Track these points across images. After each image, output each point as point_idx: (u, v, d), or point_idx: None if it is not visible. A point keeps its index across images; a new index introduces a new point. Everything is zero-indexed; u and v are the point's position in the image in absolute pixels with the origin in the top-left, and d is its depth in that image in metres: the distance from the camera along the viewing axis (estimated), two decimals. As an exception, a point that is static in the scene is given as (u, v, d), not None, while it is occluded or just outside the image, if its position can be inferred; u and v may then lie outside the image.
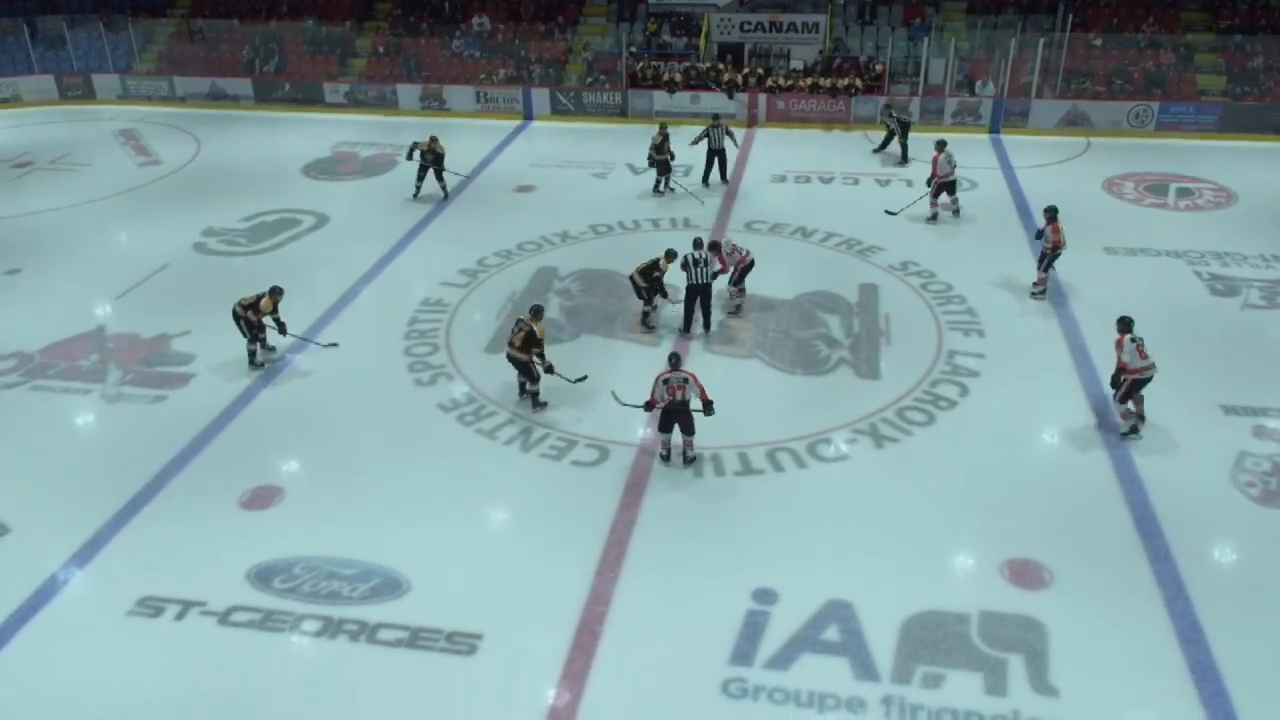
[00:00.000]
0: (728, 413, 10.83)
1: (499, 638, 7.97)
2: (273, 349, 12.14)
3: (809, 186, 17.70)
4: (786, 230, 15.91)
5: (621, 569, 8.67)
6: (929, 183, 16.00)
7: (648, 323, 12.58)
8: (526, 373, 10.96)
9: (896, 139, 19.10)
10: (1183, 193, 17.36)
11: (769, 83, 21.92)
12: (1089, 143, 20.28)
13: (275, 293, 11.85)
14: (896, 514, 9.27)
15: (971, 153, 19.73)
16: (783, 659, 7.72)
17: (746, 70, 22.27)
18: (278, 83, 23.97)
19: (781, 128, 21.60)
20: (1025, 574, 8.49)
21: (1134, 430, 10.23)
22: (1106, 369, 11.50)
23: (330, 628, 8.08)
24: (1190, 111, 20.47)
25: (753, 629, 7.97)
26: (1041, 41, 20.93)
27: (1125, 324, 10.28)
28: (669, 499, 9.56)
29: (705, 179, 17.67)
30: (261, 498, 9.63)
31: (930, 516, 9.11)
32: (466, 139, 20.57)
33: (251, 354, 11.91)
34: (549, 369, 10.87)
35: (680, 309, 12.66)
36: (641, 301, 12.54)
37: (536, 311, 10.91)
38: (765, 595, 8.29)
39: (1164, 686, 7.49)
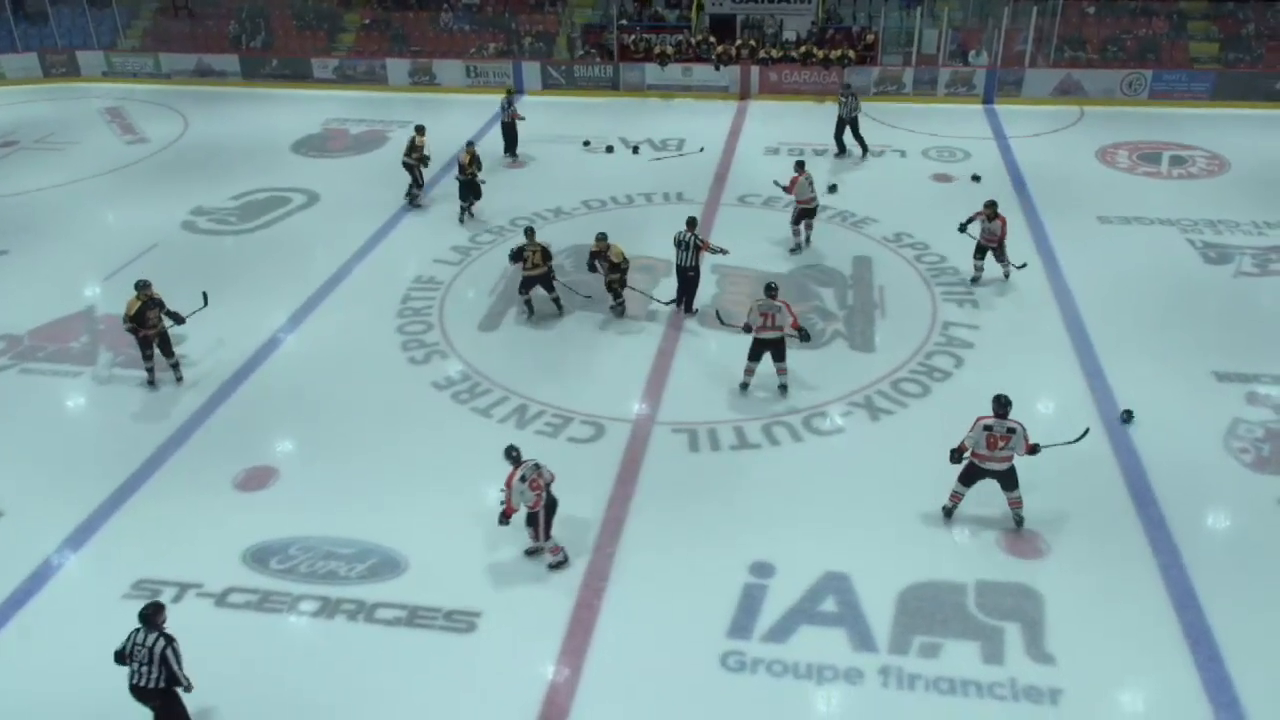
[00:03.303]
0: (722, 387, 10.80)
1: (497, 615, 7.97)
2: (176, 366, 10.93)
3: (805, 158, 17.52)
4: (779, 204, 15.80)
5: (619, 544, 8.67)
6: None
7: (617, 309, 12.23)
8: (547, 284, 11.94)
9: (840, 128, 17.40)
10: (1176, 161, 17.30)
11: (761, 54, 21.72)
12: (1082, 111, 20.17)
13: (142, 289, 10.62)
14: (893, 486, 9.28)
15: (965, 123, 19.63)
16: (780, 631, 7.73)
17: (739, 42, 22.05)
18: (265, 58, 23.67)
19: (774, 100, 21.42)
20: (1021, 544, 8.51)
21: (947, 513, 8.80)
22: (1101, 340, 11.53)
23: (328, 608, 8.06)
24: (1183, 79, 20.34)
25: (750, 602, 7.99)
26: (1035, 10, 20.76)
27: (999, 403, 8.48)
28: (665, 474, 9.54)
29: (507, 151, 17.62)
30: (256, 478, 9.59)
31: (926, 488, 9.10)
32: (457, 114, 20.37)
33: (150, 371, 10.73)
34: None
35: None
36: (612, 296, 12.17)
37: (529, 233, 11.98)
38: (762, 568, 8.30)
39: (1159, 652, 7.52)
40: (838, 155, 17.41)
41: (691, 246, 11.90)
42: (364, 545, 8.65)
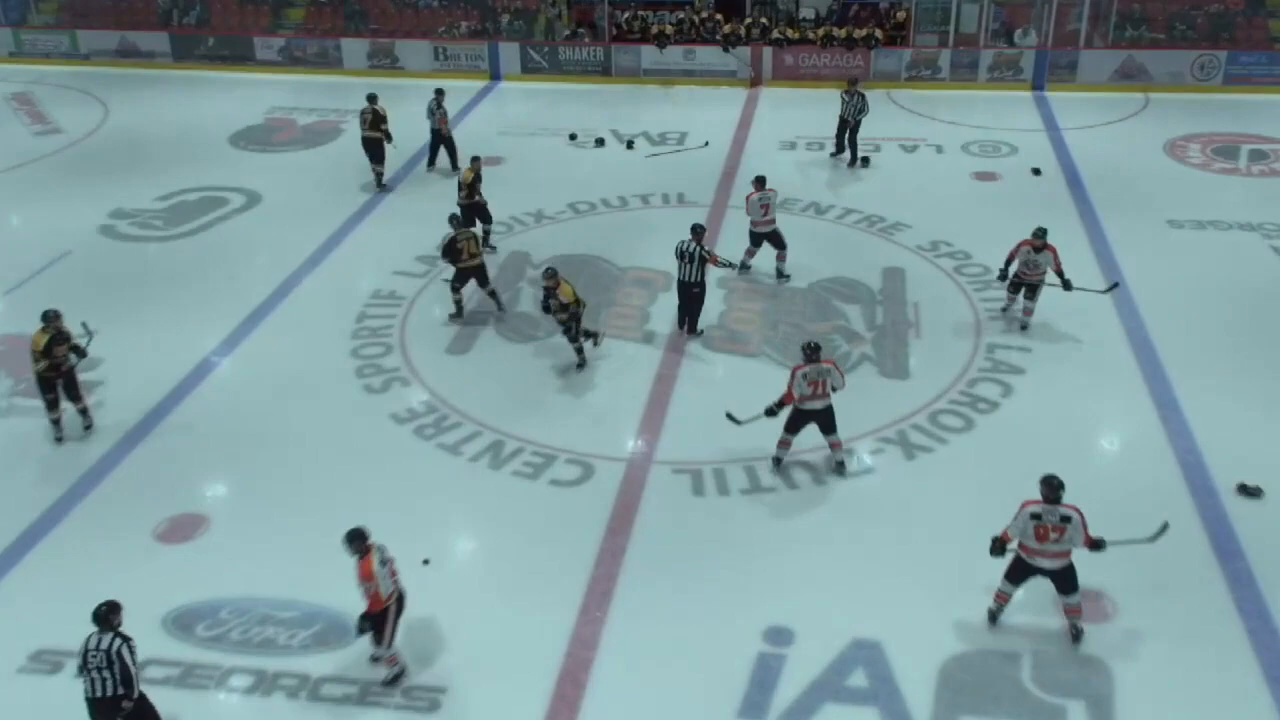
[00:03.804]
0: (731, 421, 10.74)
1: (465, 691, 7.86)
2: (85, 412, 10.74)
3: (823, 154, 17.63)
4: (797, 206, 15.83)
5: (609, 607, 8.57)
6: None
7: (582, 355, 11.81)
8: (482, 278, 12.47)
9: (842, 130, 17.15)
10: (1256, 156, 17.40)
11: (775, 34, 21.87)
12: (1147, 99, 20.32)
13: (51, 320, 10.38)
14: (931, 536, 9.20)
15: (1012, 113, 19.75)
16: (801, 710, 7.63)
17: (749, 20, 22.22)
18: (200, 36, 23.79)
19: (790, 86, 21.56)
20: (1084, 605, 8.41)
21: (991, 617, 8.37)
22: (1173, 362, 11.51)
23: (264, 683, 7.93)
24: (1263, 62, 20.52)
25: (765, 675, 7.89)
26: (1091, -17, 20.97)
27: (1049, 486, 7.98)
28: (664, 523, 9.47)
29: (430, 162, 17.10)
30: (181, 528, 9.48)
31: (971, 539, 8.98)
32: (423, 103, 20.36)
33: (56, 424, 10.56)
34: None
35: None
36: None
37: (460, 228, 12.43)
38: (779, 635, 8.21)
39: (1249, 736, 7.42)
40: (835, 155, 17.34)
41: (696, 259, 11.85)
42: (308, 608, 8.54)
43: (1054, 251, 11.90)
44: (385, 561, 7.69)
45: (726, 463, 10.13)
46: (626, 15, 22.62)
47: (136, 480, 10.13)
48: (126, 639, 7.03)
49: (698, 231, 12.01)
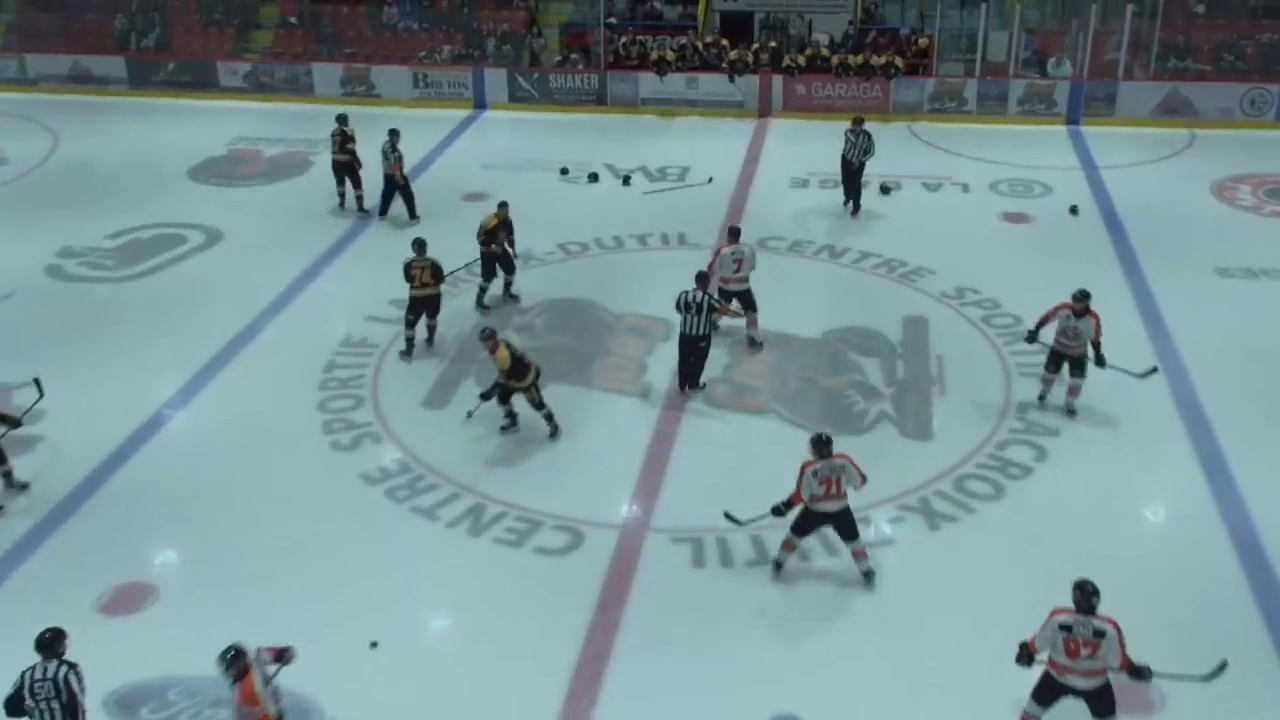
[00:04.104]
0: (737, 483, 10.78)
1: (439, 784, 7.79)
2: (9, 475, 10.74)
3: (837, 193, 17.80)
4: (809, 249, 16.00)
5: (599, 692, 8.53)
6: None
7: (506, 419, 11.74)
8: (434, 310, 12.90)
9: (847, 174, 17.07)
10: (1313, 199, 17.61)
11: (785, 62, 22.19)
12: (1193, 135, 20.60)
13: None
14: (956, 615, 9.20)
15: (1044, 149, 20.01)
16: (812, 809, 7.57)
17: (756, 45, 22.54)
18: (159, 61, 24.12)
19: (801, 118, 21.86)
20: (1128, 694, 8.38)
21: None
22: (1224, 426, 11.55)
23: (216, 772, 7.88)
24: (1320, 96, 20.78)
25: (772, 769, 7.84)
26: (1130, 9, 21.29)
27: (1082, 593, 7.67)
28: (662, 597, 9.46)
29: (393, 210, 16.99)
30: (127, 598, 9.47)
31: (1001, 618, 8.99)
32: (401, 133, 20.63)
33: None
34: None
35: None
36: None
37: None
38: (788, 724, 8.16)
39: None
40: (846, 204, 17.22)
41: (705, 310, 11.85)
42: (266, 689, 8.49)
43: (1097, 319, 11.31)
44: (269, 680, 7.42)
45: (731, 531, 10.13)
46: (623, 40, 22.87)
47: (79, 545, 10.12)
48: (73, 665, 7.23)
49: (703, 280, 12.05)
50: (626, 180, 18.75)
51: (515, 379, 11.29)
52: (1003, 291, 14.44)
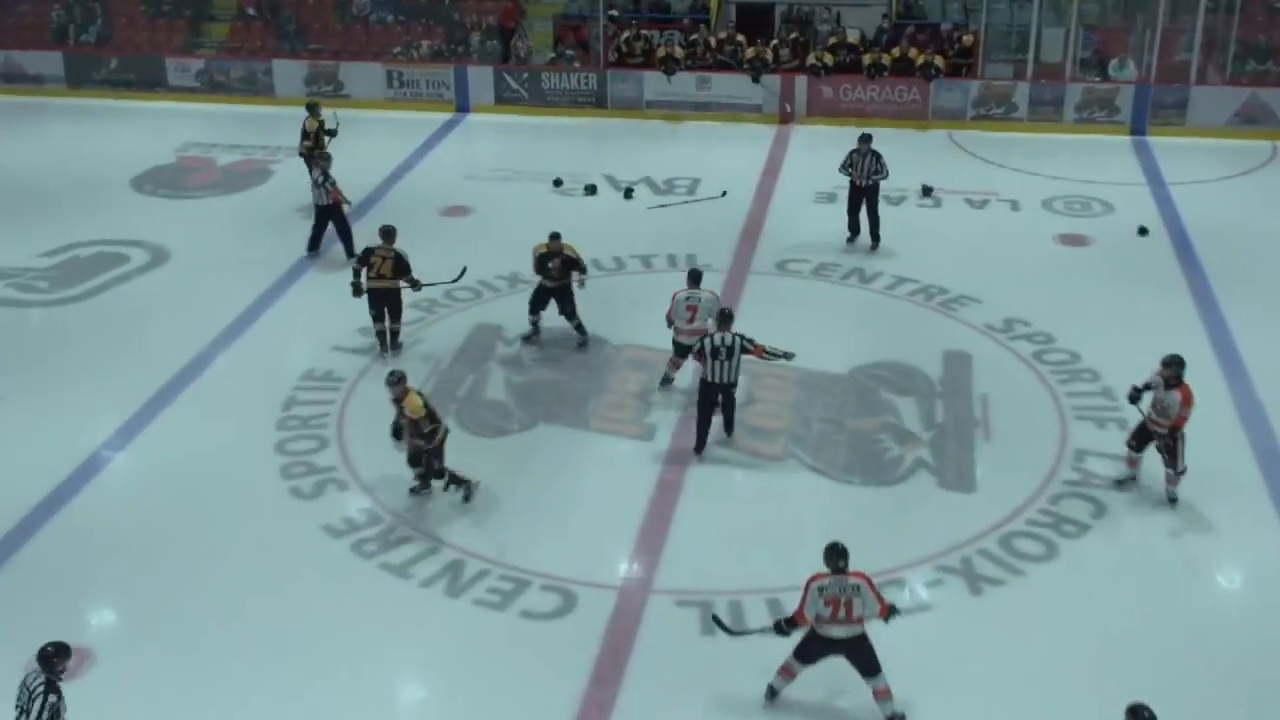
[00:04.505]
0: (750, 539, 10.84)
1: None
2: None
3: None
4: (836, 273, 16.12)
5: (594, 774, 8.57)
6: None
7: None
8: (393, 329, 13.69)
9: (855, 201, 16.74)
10: None
11: (811, 60, 22.39)
12: (1275, 148, 20.76)
13: None
14: (1002, 691, 9.19)
15: (1105, 162, 20.14)
16: None
17: (776, 41, 22.72)
18: (100, 57, 24.32)
19: (828, 124, 22.00)
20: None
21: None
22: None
23: None
24: None
25: None
26: (1204, 4, 21.41)
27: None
28: (665, 671, 9.44)
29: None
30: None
31: (1053, 696, 9.06)
32: (372, 138, 20.82)
33: None
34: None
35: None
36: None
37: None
38: (808, 815, 8.19)
39: None
40: (851, 240, 16.88)
41: (735, 353, 11.67)
42: (214, 770, 8.56)
43: (1187, 396, 10.78)
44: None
45: (745, 593, 10.15)
46: (626, 34, 22.98)
47: (5, 602, 10.15)
48: (58, 692, 7.60)
49: (728, 319, 11.92)
50: (629, 193, 18.92)
51: (418, 436, 11.03)
52: (1057, 324, 14.52)
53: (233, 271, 16.15)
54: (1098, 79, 22.00)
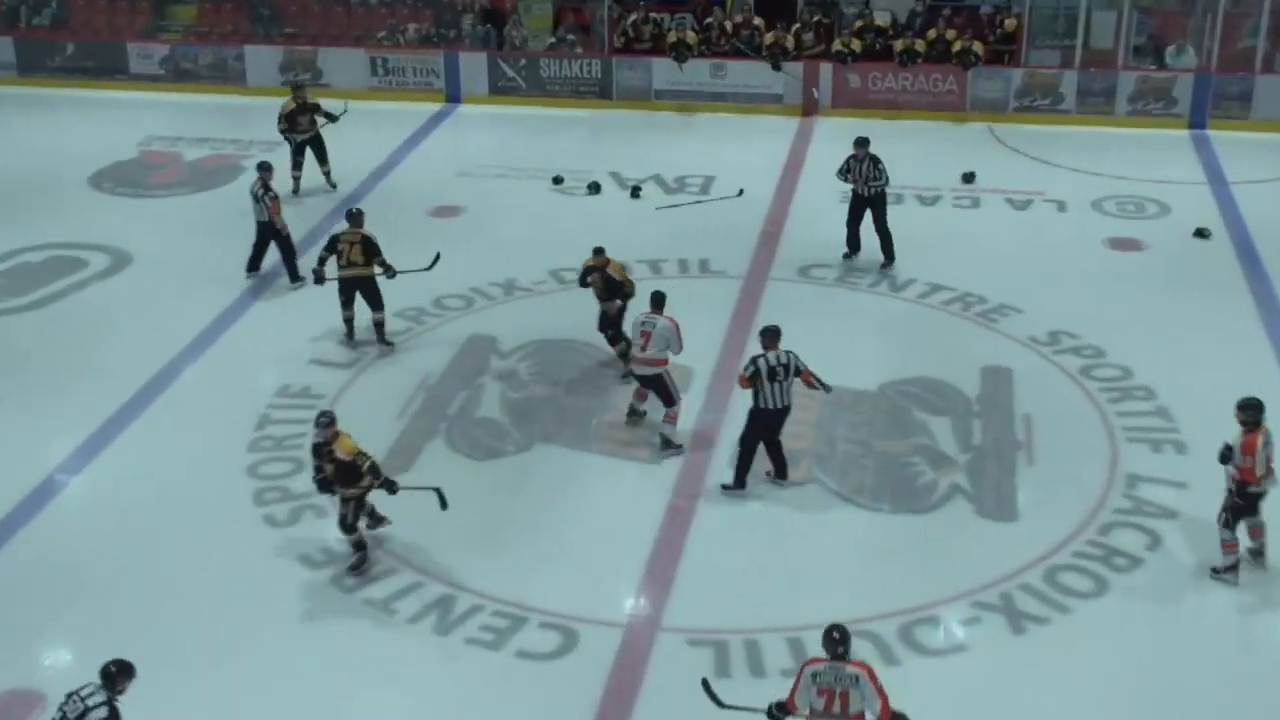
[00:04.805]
0: (769, 572, 10.89)
1: None
2: None
3: (901, 209, 17.94)
4: (864, 280, 16.18)
5: (597, 830, 8.61)
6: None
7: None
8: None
9: (856, 212, 16.46)
10: None
11: (836, 46, 22.47)
12: (1349, 144, 20.71)
13: None
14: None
15: (1161, 158, 20.16)
16: None
17: (798, 25, 22.77)
18: (55, 43, 24.43)
19: (856, 116, 21.97)
20: None
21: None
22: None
23: None
24: None
25: None
26: (1270, -16, 21.45)
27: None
28: (675, 714, 9.44)
29: None
30: (8, 710, 9.51)
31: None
32: (354, 131, 20.89)
33: None
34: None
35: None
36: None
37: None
38: None
39: None
40: (849, 256, 16.60)
41: (791, 373, 11.56)
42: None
43: (1249, 444, 10.32)
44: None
45: (763, 631, 10.18)
46: (634, 17, 23.06)
47: (-52, 642, 10.19)
48: (118, 714, 7.90)
49: (775, 336, 11.59)
50: (636, 192, 19.01)
51: (356, 478, 10.72)
52: (1107, 336, 14.55)
53: (201, 277, 16.21)
54: (1153, 67, 22.04)
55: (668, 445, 12.60)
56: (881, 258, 16.39)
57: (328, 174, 19.04)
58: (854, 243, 16.53)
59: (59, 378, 13.98)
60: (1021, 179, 19.47)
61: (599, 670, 9.90)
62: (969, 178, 18.38)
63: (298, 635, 10.30)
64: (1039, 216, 18.26)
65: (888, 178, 16.20)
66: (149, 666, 9.81)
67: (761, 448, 11.87)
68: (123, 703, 7.95)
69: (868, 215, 16.30)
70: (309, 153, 18.80)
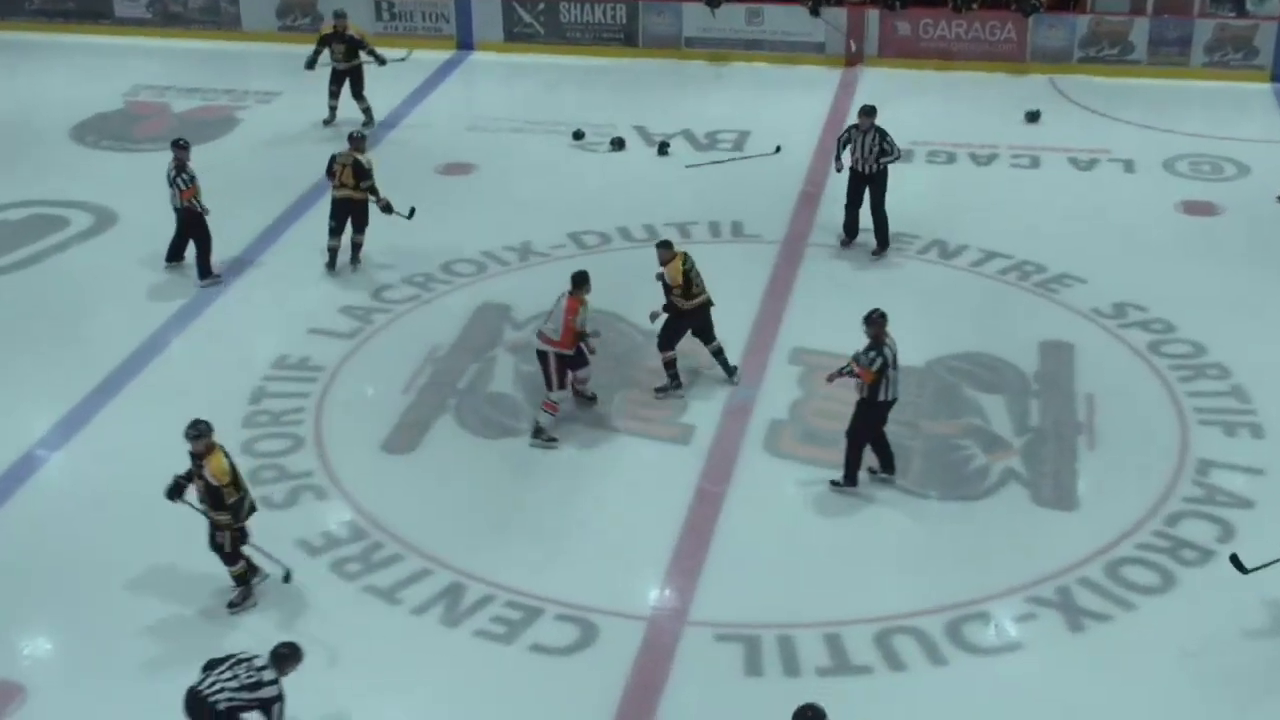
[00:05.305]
0: (804, 562, 10.92)
1: None
2: None
3: (953, 169, 17.98)
4: (913, 246, 16.17)
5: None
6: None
7: None
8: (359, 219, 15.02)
9: (854, 191, 16.00)
10: None
11: (885, -9, 22.39)
12: None
13: None
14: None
15: (1241, 114, 20.10)
16: None
17: (844, -33, 22.72)
18: (32, -16, 24.45)
19: (905, 67, 22.08)
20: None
21: None
22: None
23: None
24: None
25: None
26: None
27: None
28: (702, 713, 9.51)
29: None
30: (-13, 701, 9.59)
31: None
32: (370, 82, 20.91)
33: None
34: None
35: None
36: None
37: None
38: None
39: None
40: (845, 243, 16.24)
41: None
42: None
43: None
44: None
45: (797, 627, 10.20)
46: (664, -41, 23.04)
47: (-81, 630, 10.27)
48: (282, 698, 8.38)
49: (883, 319, 11.35)
50: (664, 149, 19.00)
51: (219, 509, 10.21)
52: (1178, 309, 14.53)
53: (190, 239, 16.28)
54: (1232, 14, 21.88)
55: (538, 434, 12.53)
56: (874, 243, 16.04)
57: (366, 110, 19.63)
58: (851, 228, 16.16)
59: (37, 346, 14.06)
60: (1086, 136, 19.39)
61: (619, 667, 9.91)
62: (1033, 116, 18.25)
63: (294, 624, 10.29)
64: (1104, 177, 18.20)
65: (898, 153, 15.85)
66: (133, 657, 9.97)
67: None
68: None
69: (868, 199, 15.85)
70: (347, 85, 19.45)
